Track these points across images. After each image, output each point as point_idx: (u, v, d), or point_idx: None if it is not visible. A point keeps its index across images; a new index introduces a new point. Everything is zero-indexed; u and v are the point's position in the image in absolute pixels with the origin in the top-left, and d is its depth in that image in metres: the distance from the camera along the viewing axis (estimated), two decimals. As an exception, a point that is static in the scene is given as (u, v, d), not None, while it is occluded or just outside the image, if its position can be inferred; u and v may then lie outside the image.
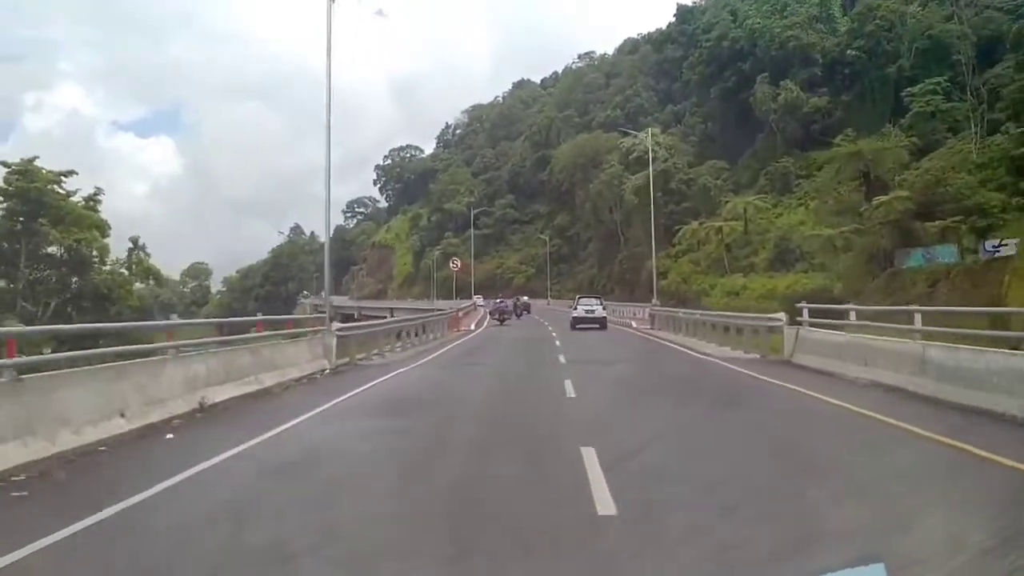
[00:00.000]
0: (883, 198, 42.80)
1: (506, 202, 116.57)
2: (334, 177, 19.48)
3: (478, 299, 76.16)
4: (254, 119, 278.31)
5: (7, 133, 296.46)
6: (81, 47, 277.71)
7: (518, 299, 57.65)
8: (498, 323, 44.65)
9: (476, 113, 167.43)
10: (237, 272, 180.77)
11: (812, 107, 66.96)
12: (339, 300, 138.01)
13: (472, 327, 41.62)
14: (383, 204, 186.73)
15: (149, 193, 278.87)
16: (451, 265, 73.42)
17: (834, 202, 52.61)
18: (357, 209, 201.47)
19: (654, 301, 43.55)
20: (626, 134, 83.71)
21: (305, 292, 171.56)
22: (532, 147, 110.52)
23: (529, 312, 56.60)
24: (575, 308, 39.32)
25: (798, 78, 68.32)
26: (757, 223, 61.15)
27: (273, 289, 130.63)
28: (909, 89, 56.06)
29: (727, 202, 66.66)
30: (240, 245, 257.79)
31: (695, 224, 62.33)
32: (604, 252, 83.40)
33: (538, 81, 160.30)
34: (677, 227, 65.27)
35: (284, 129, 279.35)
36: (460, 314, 41.02)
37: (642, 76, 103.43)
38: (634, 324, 40.26)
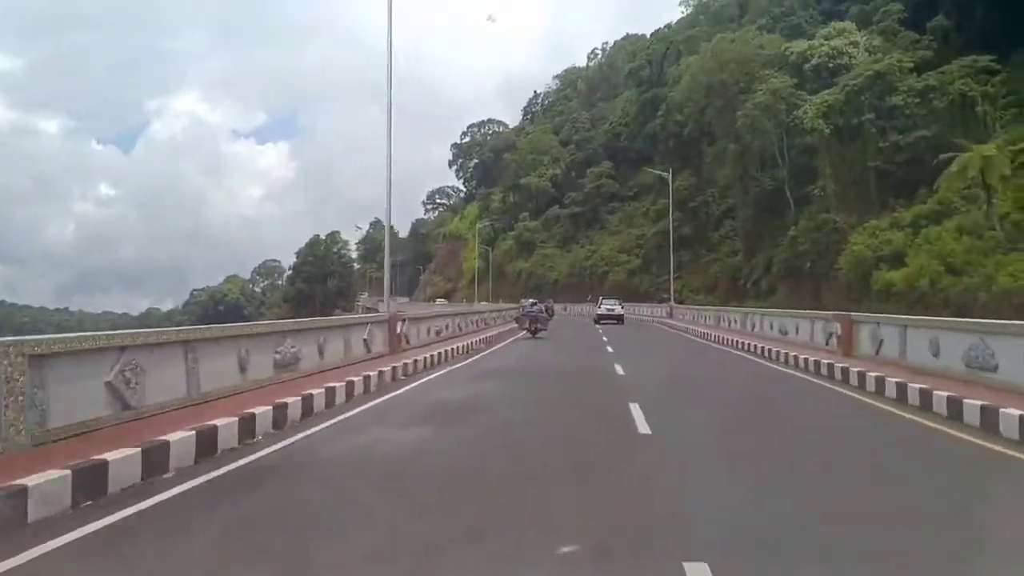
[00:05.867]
0: None
1: (601, 170, 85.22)
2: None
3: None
4: (366, 123, 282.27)
5: (135, 138, 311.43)
6: (204, 57, 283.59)
7: (548, 303, 40.20)
8: (530, 335, 29.24)
9: (570, 76, 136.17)
10: (290, 269, 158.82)
11: None
12: (400, 302, 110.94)
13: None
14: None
15: (264, 196, 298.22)
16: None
17: None
18: (438, 200, 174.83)
19: None
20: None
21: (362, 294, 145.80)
22: (638, 88, 78.45)
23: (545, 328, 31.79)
24: (599, 307, 47.41)
25: None
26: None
27: (305, 287, 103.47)
28: None
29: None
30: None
31: (978, 151, 29.74)
32: (757, 228, 51.39)
33: (648, 34, 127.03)
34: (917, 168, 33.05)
35: (396, 131, 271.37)
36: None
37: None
38: None
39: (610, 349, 23.81)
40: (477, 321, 31.92)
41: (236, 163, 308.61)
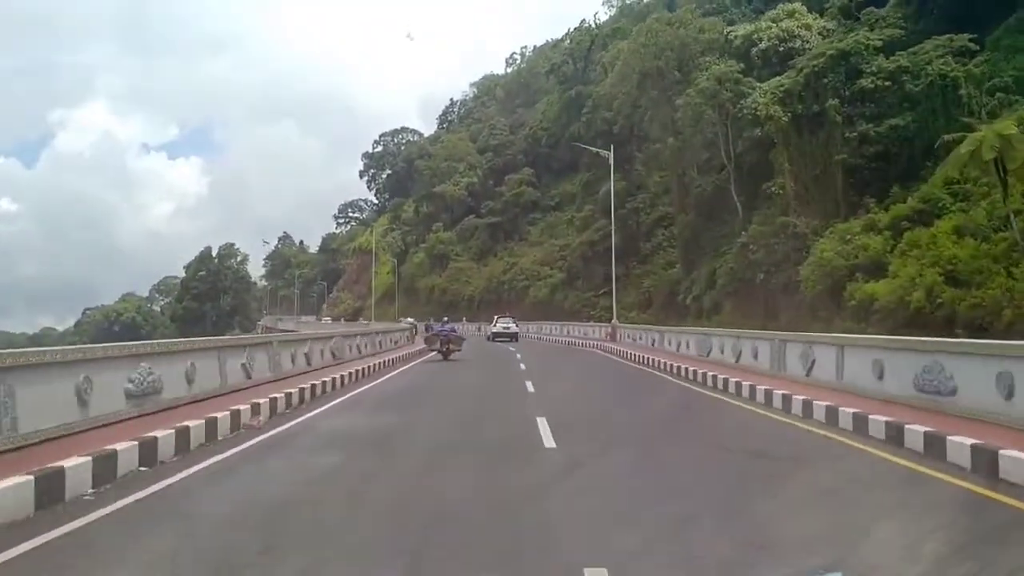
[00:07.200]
0: None
1: (521, 177, 78.49)
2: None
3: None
4: (282, 141, 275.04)
5: (38, 151, 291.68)
6: (111, 69, 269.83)
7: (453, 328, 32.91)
8: (441, 356, 26.64)
9: (487, 84, 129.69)
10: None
11: None
12: (302, 322, 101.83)
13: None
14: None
15: (175, 211, 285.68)
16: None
17: None
18: (351, 213, 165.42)
19: None
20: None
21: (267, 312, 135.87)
22: (561, 85, 72.08)
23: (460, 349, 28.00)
24: (494, 325, 50.14)
25: None
26: None
27: (195, 306, 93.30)
28: None
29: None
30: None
31: (993, 129, 23.60)
32: (697, 236, 45.23)
33: (567, 42, 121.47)
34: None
35: (311, 151, 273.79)
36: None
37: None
38: None
39: (550, 440, 10.03)
40: (305, 354, 18.53)
41: (146, 177, 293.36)
